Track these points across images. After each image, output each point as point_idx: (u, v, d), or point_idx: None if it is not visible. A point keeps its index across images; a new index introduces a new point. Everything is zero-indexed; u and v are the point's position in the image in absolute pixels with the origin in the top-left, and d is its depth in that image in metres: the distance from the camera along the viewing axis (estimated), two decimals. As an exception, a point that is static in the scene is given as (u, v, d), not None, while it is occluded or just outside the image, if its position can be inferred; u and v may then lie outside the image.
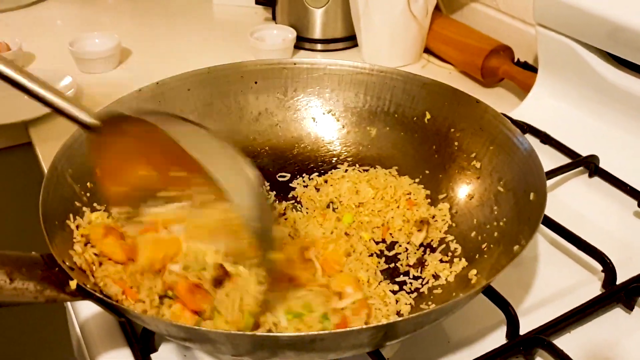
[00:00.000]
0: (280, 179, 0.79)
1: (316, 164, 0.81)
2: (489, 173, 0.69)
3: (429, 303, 0.62)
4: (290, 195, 0.77)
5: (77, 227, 0.62)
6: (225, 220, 0.54)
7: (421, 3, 1.09)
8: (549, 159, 0.84)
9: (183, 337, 0.52)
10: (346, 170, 0.79)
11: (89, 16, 1.38)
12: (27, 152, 0.96)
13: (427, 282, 0.65)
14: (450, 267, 0.65)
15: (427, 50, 1.19)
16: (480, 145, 0.71)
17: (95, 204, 0.66)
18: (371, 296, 0.61)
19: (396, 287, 0.64)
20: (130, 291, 0.58)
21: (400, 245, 0.70)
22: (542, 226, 0.71)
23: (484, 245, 0.65)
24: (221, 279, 0.57)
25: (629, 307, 0.64)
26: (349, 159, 0.81)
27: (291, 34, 1.16)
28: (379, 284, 0.64)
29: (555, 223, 0.70)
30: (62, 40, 1.14)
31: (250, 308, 0.54)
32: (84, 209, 0.64)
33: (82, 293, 0.52)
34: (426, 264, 0.67)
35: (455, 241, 0.68)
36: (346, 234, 0.70)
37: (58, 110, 0.57)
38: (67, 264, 0.54)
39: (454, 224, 0.70)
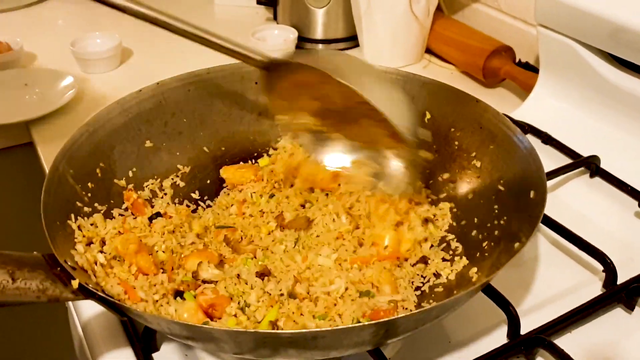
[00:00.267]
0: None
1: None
2: (489, 172, 0.69)
3: (430, 301, 0.62)
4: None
5: (79, 227, 0.62)
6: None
7: (423, 3, 1.09)
8: (550, 159, 0.84)
9: (185, 335, 0.52)
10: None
11: (90, 16, 1.38)
12: (28, 152, 0.97)
13: (429, 281, 0.65)
14: (451, 266, 0.65)
15: (428, 51, 1.19)
16: (480, 144, 0.71)
17: (96, 204, 0.66)
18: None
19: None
20: (132, 291, 0.58)
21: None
22: (543, 226, 0.71)
23: (484, 244, 0.65)
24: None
25: (630, 307, 0.64)
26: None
27: (292, 34, 1.16)
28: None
29: (557, 223, 0.70)
30: (63, 40, 1.14)
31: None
32: (95, 215, 0.65)
33: (84, 292, 0.52)
34: (428, 262, 0.67)
35: (456, 240, 0.69)
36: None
37: (237, 54, 0.67)
38: (69, 263, 0.54)
39: (454, 223, 0.70)
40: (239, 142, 0.81)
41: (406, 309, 0.61)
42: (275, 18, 1.28)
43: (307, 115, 0.70)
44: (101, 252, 0.62)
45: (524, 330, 0.59)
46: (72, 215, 0.62)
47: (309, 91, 0.66)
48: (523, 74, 1.03)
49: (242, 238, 0.70)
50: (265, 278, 0.62)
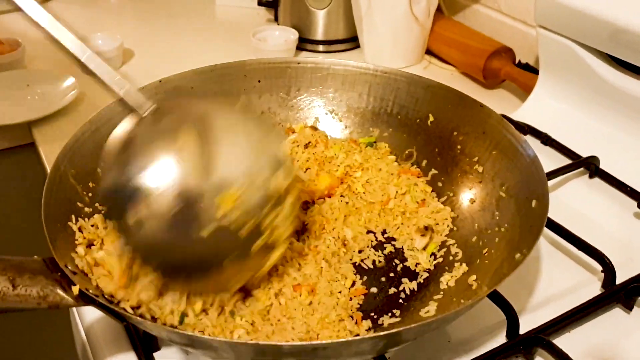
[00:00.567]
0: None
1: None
2: (491, 178, 0.69)
3: (428, 306, 0.62)
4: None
5: (80, 228, 0.62)
6: None
7: (423, 4, 1.10)
8: (550, 160, 0.85)
9: (185, 343, 0.53)
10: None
11: (91, 17, 1.39)
12: (30, 152, 0.97)
13: (428, 286, 0.65)
14: (451, 272, 0.65)
15: (428, 52, 1.19)
16: (483, 150, 0.71)
17: (97, 205, 0.66)
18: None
19: (394, 290, 0.65)
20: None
21: (402, 250, 0.70)
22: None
23: (484, 251, 0.65)
24: None
25: (629, 307, 0.64)
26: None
27: (293, 35, 1.17)
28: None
29: (556, 224, 0.71)
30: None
31: None
32: (96, 216, 0.65)
33: (85, 298, 0.52)
34: (431, 270, 0.67)
35: (456, 245, 0.68)
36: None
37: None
38: (69, 268, 0.54)
39: (455, 228, 0.70)
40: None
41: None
42: (276, 19, 1.28)
43: None
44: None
45: (522, 330, 0.60)
46: (73, 217, 0.63)
47: None
48: (523, 75, 1.03)
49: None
50: None
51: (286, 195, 0.58)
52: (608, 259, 0.65)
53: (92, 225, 0.64)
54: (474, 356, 0.57)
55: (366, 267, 0.67)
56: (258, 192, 0.56)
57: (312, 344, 0.49)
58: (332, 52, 1.21)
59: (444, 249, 0.69)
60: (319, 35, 1.20)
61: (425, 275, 0.66)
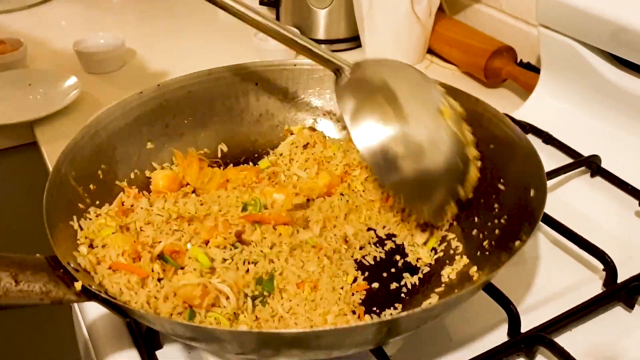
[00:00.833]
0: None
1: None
2: (490, 171, 0.70)
3: (430, 297, 0.62)
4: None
5: (81, 228, 0.63)
6: None
7: (424, 4, 1.10)
8: (552, 159, 0.85)
9: (188, 336, 0.53)
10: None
11: (93, 17, 1.39)
12: (32, 151, 0.97)
13: (430, 280, 0.65)
14: (452, 265, 0.66)
15: (430, 51, 1.19)
16: (481, 144, 0.71)
17: (97, 202, 0.67)
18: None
19: (395, 285, 0.65)
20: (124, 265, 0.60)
21: (403, 246, 0.70)
22: (544, 225, 0.71)
23: (485, 243, 0.65)
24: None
25: (630, 306, 0.64)
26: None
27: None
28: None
29: (557, 222, 0.71)
30: (66, 40, 1.15)
31: None
32: (90, 211, 0.65)
33: (87, 294, 0.53)
34: (432, 263, 0.67)
35: (456, 239, 0.69)
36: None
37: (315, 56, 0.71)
38: (71, 265, 0.54)
39: (455, 222, 0.71)
40: (239, 143, 0.81)
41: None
42: (277, 19, 1.28)
43: None
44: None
45: (524, 328, 0.60)
46: (74, 217, 0.63)
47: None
48: (524, 74, 1.03)
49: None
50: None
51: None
52: (609, 258, 0.65)
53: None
54: (475, 354, 0.57)
55: (367, 263, 0.68)
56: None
57: (314, 331, 0.49)
58: (334, 51, 1.21)
59: (445, 243, 0.69)
60: (321, 34, 1.20)
61: (427, 269, 0.67)
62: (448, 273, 0.65)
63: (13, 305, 0.51)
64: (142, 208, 0.68)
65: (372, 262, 0.68)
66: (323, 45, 0.73)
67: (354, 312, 0.61)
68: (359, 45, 1.20)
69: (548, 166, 0.67)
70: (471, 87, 1.08)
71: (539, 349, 0.59)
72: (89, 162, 0.68)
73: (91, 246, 0.62)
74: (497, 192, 0.68)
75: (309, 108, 0.83)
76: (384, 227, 0.72)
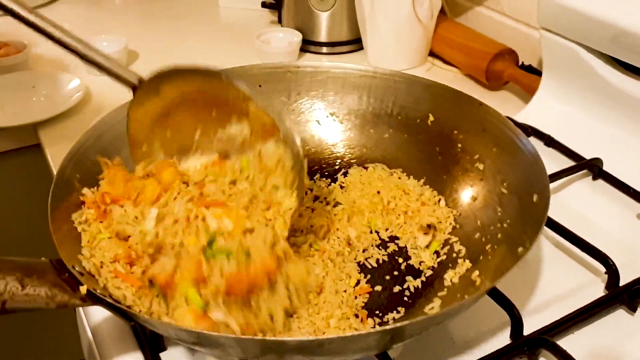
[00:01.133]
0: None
1: (320, 166, 0.81)
2: (493, 175, 0.70)
3: (432, 302, 0.62)
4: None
5: (84, 231, 0.63)
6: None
7: (426, 6, 1.10)
8: (553, 161, 0.85)
9: (192, 341, 0.53)
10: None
11: (96, 19, 1.39)
12: (36, 153, 0.97)
13: (432, 284, 0.65)
14: (455, 269, 0.66)
15: (432, 54, 1.19)
16: (484, 147, 0.72)
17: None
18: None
19: (398, 288, 0.66)
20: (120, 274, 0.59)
21: (405, 248, 0.70)
22: (546, 228, 0.72)
23: (487, 247, 0.66)
24: None
25: (632, 309, 0.64)
26: (352, 161, 0.81)
27: (297, 37, 1.17)
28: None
29: (559, 225, 0.71)
30: (70, 42, 1.15)
31: None
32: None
33: (93, 298, 0.53)
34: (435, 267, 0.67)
35: (459, 242, 0.69)
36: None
37: (105, 70, 0.63)
38: (76, 269, 0.54)
39: (457, 226, 0.71)
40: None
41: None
42: (279, 21, 1.29)
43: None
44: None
45: (526, 331, 0.60)
46: (79, 219, 0.63)
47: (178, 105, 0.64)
48: (526, 77, 1.03)
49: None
50: None
51: None
52: (612, 261, 0.66)
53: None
54: (478, 357, 0.57)
55: (370, 266, 0.68)
56: None
57: (318, 339, 0.49)
58: (336, 54, 1.22)
59: (447, 247, 0.69)
60: (323, 37, 1.21)
61: (429, 272, 0.67)
62: (451, 277, 0.65)
63: (19, 309, 0.51)
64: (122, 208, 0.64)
65: (375, 265, 0.68)
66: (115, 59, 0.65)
67: (356, 316, 0.61)
68: (361, 48, 1.20)
69: (550, 169, 0.67)
70: (473, 90, 1.08)
71: (542, 351, 0.59)
72: (93, 165, 0.68)
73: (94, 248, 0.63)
74: (499, 196, 0.68)
75: (312, 110, 0.83)
76: (386, 230, 0.73)
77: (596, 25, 0.84)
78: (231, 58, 0.85)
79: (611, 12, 0.82)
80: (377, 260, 0.69)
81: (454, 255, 0.68)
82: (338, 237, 0.70)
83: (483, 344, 0.61)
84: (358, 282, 0.66)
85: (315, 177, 0.80)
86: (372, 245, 0.70)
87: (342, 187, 0.78)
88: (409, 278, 0.66)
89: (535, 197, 0.62)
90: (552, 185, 0.73)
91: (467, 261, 0.66)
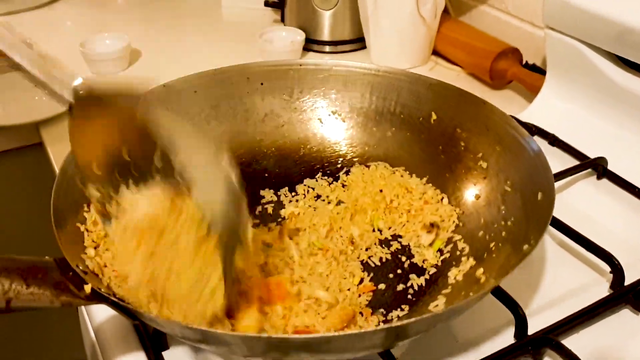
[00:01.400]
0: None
1: (322, 165, 0.81)
2: (496, 173, 0.70)
3: (437, 300, 0.62)
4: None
5: (87, 230, 0.62)
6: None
7: (430, 5, 1.10)
8: (558, 161, 0.84)
9: (197, 339, 0.53)
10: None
11: (98, 18, 1.39)
12: (38, 152, 0.97)
13: (436, 281, 0.65)
14: (458, 267, 0.65)
15: (435, 53, 1.19)
16: (487, 146, 0.71)
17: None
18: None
19: (402, 286, 0.65)
20: None
21: (409, 247, 0.70)
22: (550, 227, 0.71)
23: (492, 245, 0.65)
24: None
25: (637, 309, 0.64)
26: (355, 160, 0.81)
27: (300, 36, 1.17)
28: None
29: (564, 224, 0.70)
30: (72, 41, 1.15)
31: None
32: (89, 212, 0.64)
33: (97, 297, 0.53)
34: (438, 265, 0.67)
35: (462, 240, 0.69)
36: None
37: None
38: (80, 268, 0.54)
39: (461, 224, 0.70)
40: (244, 143, 0.81)
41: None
42: (282, 20, 1.29)
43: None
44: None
45: (531, 330, 0.59)
46: (81, 218, 0.63)
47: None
48: (530, 76, 1.03)
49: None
50: None
51: None
52: (617, 260, 0.65)
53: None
54: (481, 356, 0.57)
55: (373, 265, 0.68)
56: None
57: (324, 336, 0.49)
58: (339, 52, 1.21)
59: (451, 245, 0.69)
60: (326, 36, 1.20)
61: (433, 270, 0.67)
62: (454, 275, 0.65)
63: (24, 308, 0.51)
64: None
65: (378, 263, 0.68)
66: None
67: (361, 314, 0.61)
68: (364, 47, 1.20)
69: (554, 168, 0.67)
70: (476, 89, 1.08)
71: (547, 351, 0.58)
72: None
73: (97, 247, 0.62)
74: (503, 194, 0.68)
75: (314, 108, 0.83)
76: (389, 228, 0.72)
77: (601, 23, 0.83)
78: (234, 56, 0.84)
79: (616, 9, 0.81)
80: (380, 258, 0.69)
81: (458, 253, 0.68)
82: (341, 236, 0.70)
83: (487, 343, 0.61)
84: (362, 281, 0.65)
85: (317, 176, 0.80)
86: (375, 244, 0.70)
87: (344, 186, 0.78)
88: (412, 276, 0.66)
89: (539, 195, 0.61)
90: (556, 185, 0.72)
91: (471, 259, 0.66)
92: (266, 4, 1.29)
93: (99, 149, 0.55)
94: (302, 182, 0.79)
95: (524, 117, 0.93)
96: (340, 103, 0.82)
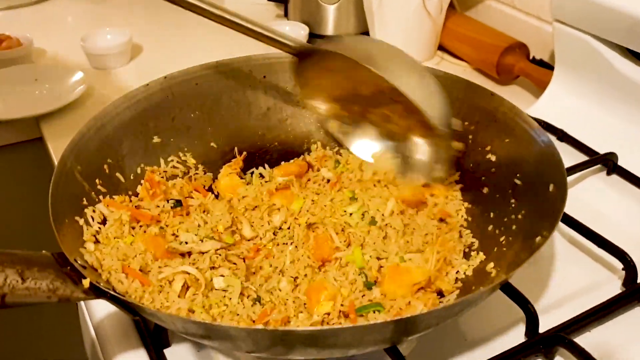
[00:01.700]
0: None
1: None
2: (506, 166, 0.68)
3: (449, 297, 0.61)
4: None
5: (87, 223, 0.61)
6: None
7: (435, 0, 1.08)
8: (567, 156, 0.81)
9: (200, 334, 0.51)
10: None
11: (100, 12, 1.38)
12: (38, 147, 0.96)
13: (446, 276, 0.63)
14: (468, 261, 0.64)
15: (441, 48, 1.17)
16: (496, 138, 0.70)
17: (103, 197, 0.65)
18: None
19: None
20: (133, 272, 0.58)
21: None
22: (560, 224, 0.69)
23: (502, 239, 0.63)
24: None
25: (651, 306, 0.63)
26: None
27: (303, 31, 1.15)
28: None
29: (574, 220, 0.69)
30: (73, 36, 1.14)
31: None
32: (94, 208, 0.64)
33: (96, 292, 0.51)
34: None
35: (472, 235, 0.67)
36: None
37: (270, 39, 0.68)
38: (78, 262, 0.53)
39: (470, 218, 0.69)
40: (247, 137, 0.79)
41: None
42: (285, 14, 1.27)
43: (335, 102, 0.71)
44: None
45: (542, 328, 0.58)
46: (81, 212, 0.62)
47: (338, 78, 0.68)
48: (537, 71, 1.01)
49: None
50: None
51: None
52: (629, 257, 0.64)
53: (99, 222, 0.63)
54: (491, 355, 0.55)
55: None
56: None
57: (331, 328, 0.48)
58: (343, 47, 1.20)
59: (460, 239, 0.67)
60: (330, 30, 1.19)
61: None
62: (464, 269, 0.63)
63: (20, 304, 0.49)
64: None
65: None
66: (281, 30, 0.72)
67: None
68: (369, 42, 1.18)
69: (563, 164, 0.66)
70: (483, 84, 1.03)
71: (559, 349, 0.57)
72: (94, 156, 0.66)
73: (97, 242, 0.61)
74: (513, 187, 0.66)
75: (317, 101, 0.81)
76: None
77: (611, 15, 0.82)
78: (236, 52, 0.83)
79: (627, 1, 0.79)
80: None
81: (467, 247, 0.66)
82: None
83: (496, 342, 0.59)
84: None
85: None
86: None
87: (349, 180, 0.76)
88: None
89: (551, 187, 0.60)
90: (566, 180, 0.71)
91: (481, 253, 0.64)
92: (269, -1, 1.27)
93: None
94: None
95: (532, 112, 0.91)
96: None
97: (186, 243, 0.63)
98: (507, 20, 1.14)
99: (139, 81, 0.75)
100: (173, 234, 0.65)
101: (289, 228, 0.68)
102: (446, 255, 0.63)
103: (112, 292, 0.51)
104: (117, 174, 0.69)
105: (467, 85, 0.74)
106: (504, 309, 0.60)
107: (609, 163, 0.81)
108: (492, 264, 0.61)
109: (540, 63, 1.06)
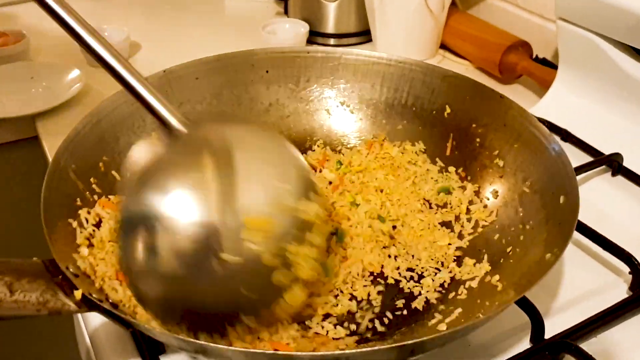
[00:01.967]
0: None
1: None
2: (513, 172, 0.66)
3: (452, 308, 0.59)
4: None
5: (81, 225, 0.60)
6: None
7: (437, -3, 1.07)
8: (570, 157, 0.79)
9: (196, 350, 0.50)
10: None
11: (97, 10, 1.37)
12: (34, 146, 0.95)
13: (449, 286, 0.62)
14: (473, 272, 0.62)
15: (443, 46, 1.16)
16: (504, 143, 0.68)
17: (97, 197, 0.64)
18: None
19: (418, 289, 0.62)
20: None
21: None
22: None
23: (508, 249, 0.62)
24: None
25: (659, 311, 0.61)
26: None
27: (304, 28, 1.14)
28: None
29: (580, 223, 0.67)
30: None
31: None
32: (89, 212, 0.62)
33: (88, 304, 0.49)
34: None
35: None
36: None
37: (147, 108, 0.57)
38: (70, 270, 0.51)
39: (474, 225, 0.67)
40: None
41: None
42: (286, 12, 1.26)
43: None
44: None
45: (548, 334, 0.57)
46: (74, 214, 0.60)
47: None
48: (540, 70, 1.00)
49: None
50: None
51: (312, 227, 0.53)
52: (636, 260, 0.63)
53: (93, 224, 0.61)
54: (496, 361, 0.54)
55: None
56: (285, 219, 0.51)
57: (335, 353, 0.46)
58: (344, 45, 1.18)
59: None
60: (330, 28, 1.17)
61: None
62: (469, 283, 0.61)
63: (7, 317, 0.47)
64: None
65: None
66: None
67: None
68: (370, 40, 1.17)
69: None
70: (485, 83, 1.03)
71: (565, 356, 0.56)
72: (90, 154, 0.64)
73: (91, 245, 0.60)
74: (521, 195, 0.64)
75: (322, 98, 0.80)
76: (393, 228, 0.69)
77: (616, 13, 0.80)
78: (236, 49, 0.82)
79: (633, -1, 0.78)
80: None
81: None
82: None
83: (501, 348, 0.58)
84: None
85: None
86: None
87: (352, 182, 0.75)
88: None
89: (562, 199, 0.58)
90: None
91: (487, 264, 0.62)
92: (269, -4, 1.26)
93: None
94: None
95: (535, 112, 0.90)
96: (349, 93, 0.79)
97: None
98: (510, 19, 1.13)
99: (136, 79, 0.73)
100: None
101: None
102: None
103: (105, 305, 0.49)
104: (113, 172, 0.67)
105: (475, 86, 0.73)
106: (509, 313, 0.58)
107: (614, 164, 0.80)
108: (497, 277, 0.59)
109: (544, 62, 1.04)
